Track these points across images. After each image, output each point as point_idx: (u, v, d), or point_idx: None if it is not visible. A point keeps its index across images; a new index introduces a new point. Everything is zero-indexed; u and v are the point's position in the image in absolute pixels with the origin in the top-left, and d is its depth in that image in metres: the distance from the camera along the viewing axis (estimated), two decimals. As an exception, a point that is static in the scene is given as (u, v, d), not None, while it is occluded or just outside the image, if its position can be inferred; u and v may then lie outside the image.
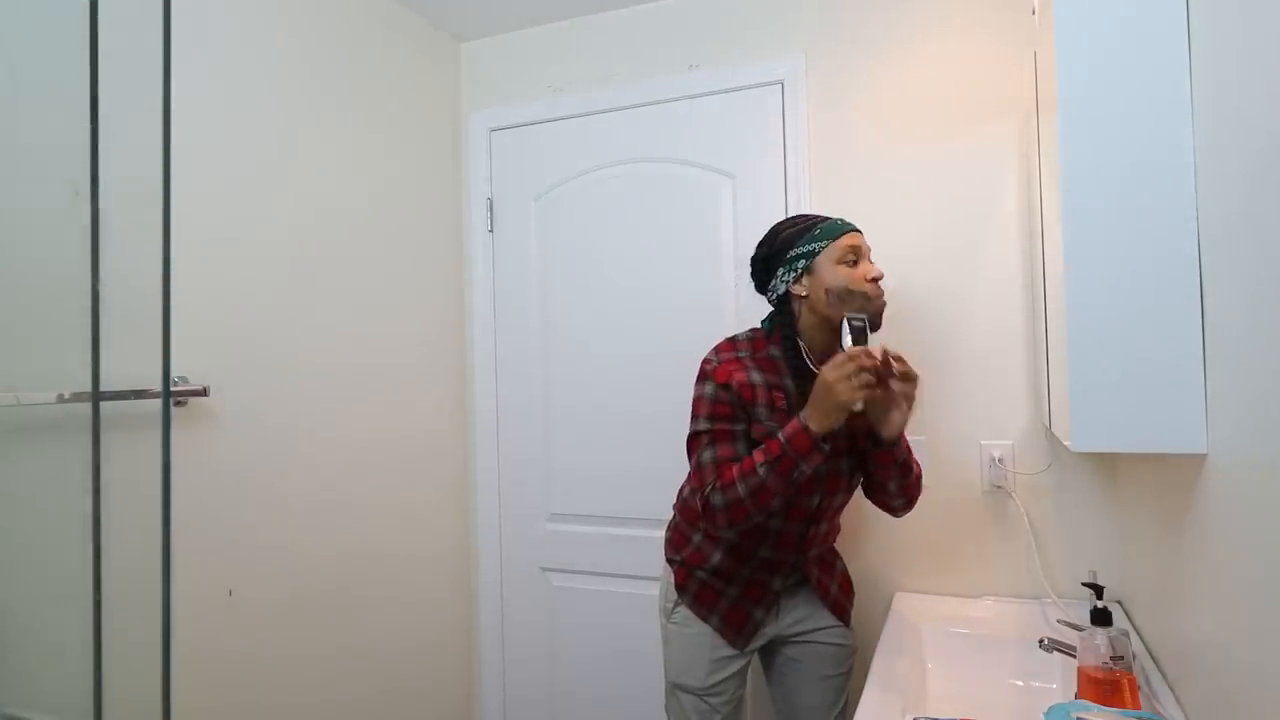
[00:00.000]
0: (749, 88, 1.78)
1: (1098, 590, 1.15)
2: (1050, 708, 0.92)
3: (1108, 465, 1.49)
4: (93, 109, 0.71)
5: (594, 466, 1.91)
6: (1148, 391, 0.90)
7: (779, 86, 1.75)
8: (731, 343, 1.32)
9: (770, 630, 1.37)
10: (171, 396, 1.08)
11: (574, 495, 1.94)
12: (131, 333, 0.88)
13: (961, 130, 1.60)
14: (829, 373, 1.13)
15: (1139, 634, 1.30)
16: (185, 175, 1.25)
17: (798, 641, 1.39)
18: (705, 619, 1.35)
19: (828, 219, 1.28)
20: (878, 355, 1.14)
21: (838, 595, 1.42)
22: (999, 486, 1.56)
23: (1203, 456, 0.90)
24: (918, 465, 1.32)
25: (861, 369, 1.11)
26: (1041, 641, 1.18)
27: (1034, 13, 1.25)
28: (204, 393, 1.26)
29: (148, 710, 0.76)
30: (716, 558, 1.34)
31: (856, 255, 1.25)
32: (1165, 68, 0.90)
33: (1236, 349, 0.79)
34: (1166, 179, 0.89)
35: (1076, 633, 1.10)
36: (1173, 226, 0.89)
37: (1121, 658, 1.01)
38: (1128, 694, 0.99)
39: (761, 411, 1.24)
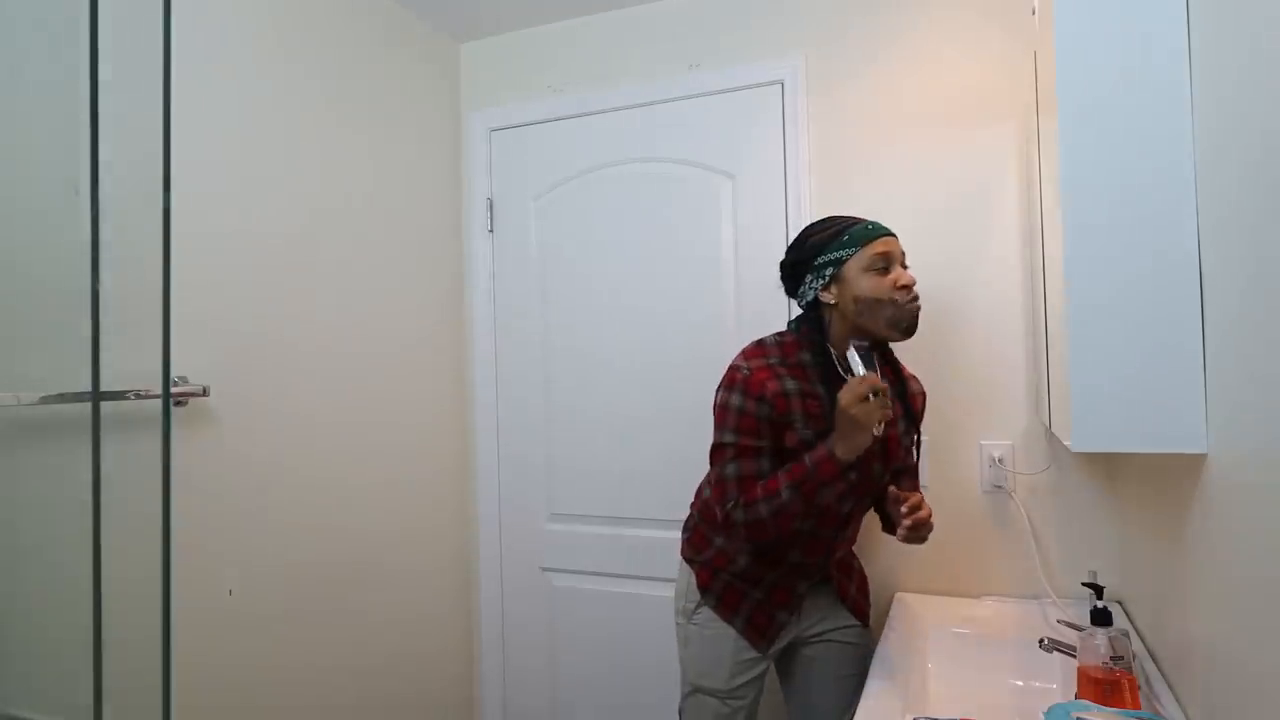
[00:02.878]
0: (749, 88, 1.78)
1: (1098, 590, 1.15)
2: (1050, 708, 0.92)
3: (1108, 465, 1.49)
4: (93, 109, 0.70)
5: (595, 466, 1.91)
6: (1148, 391, 0.90)
7: (779, 86, 1.75)
8: (760, 347, 1.28)
9: (792, 632, 1.37)
10: (171, 396, 1.08)
11: (575, 495, 1.94)
12: (131, 333, 0.88)
13: (961, 130, 1.60)
14: (847, 401, 1.11)
15: (1139, 634, 1.30)
16: (185, 175, 1.25)
17: (815, 641, 1.38)
18: (729, 621, 1.33)
19: (858, 223, 1.24)
20: (880, 383, 1.12)
21: (856, 596, 1.43)
22: (999, 486, 1.56)
23: (1203, 456, 0.90)
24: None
25: (875, 391, 1.10)
26: (1041, 641, 1.18)
27: (1034, 13, 1.25)
28: (204, 393, 1.26)
29: (148, 710, 0.76)
30: (743, 561, 1.32)
31: (887, 262, 1.21)
32: (1165, 67, 0.90)
33: (1236, 349, 0.79)
34: (1166, 179, 0.89)
35: (1076, 633, 1.10)
36: (1173, 226, 0.89)
37: (1121, 658, 1.01)
38: (1128, 694, 0.99)
39: (797, 420, 1.21)
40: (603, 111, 1.91)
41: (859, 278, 1.21)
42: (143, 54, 0.72)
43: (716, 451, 1.26)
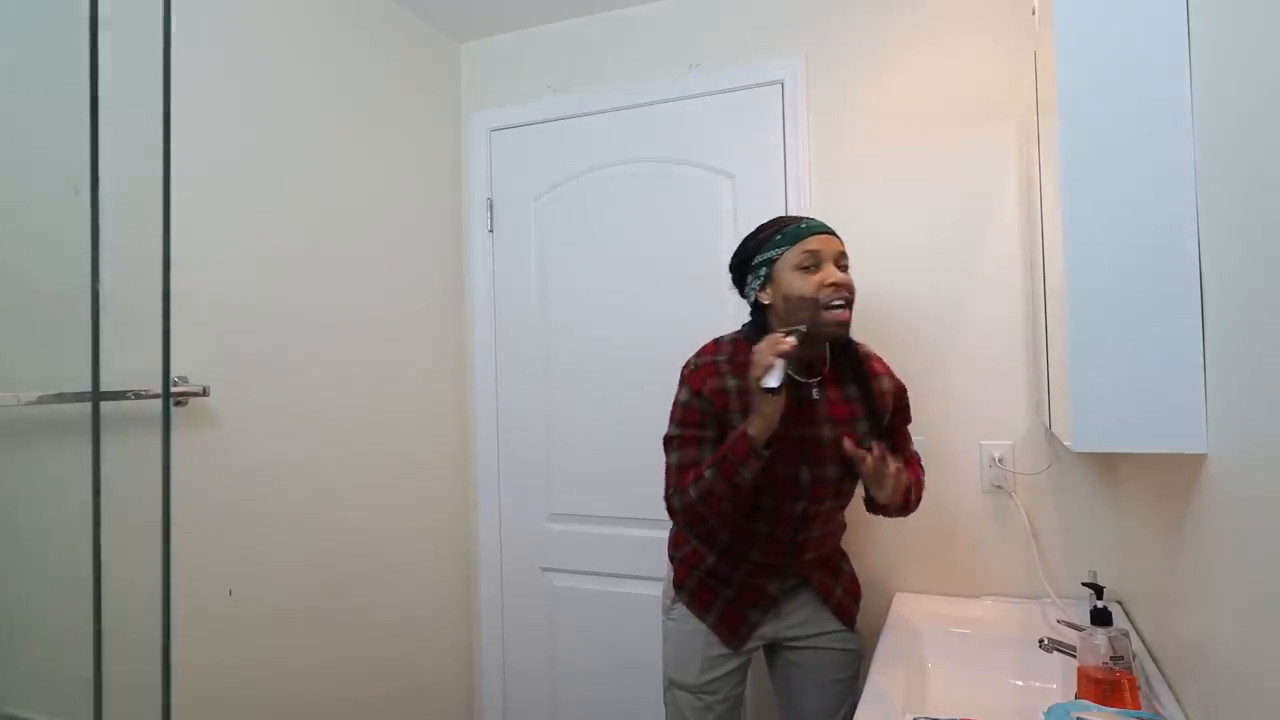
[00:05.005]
0: (749, 88, 1.78)
1: (1098, 590, 1.16)
2: (1050, 708, 0.92)
3: (1108, 465, 1.49)
4: (93, 109, 0.70)
5: (595, 466, 1.91)
6: (1148, 391, 0.90)
7: (779, 86, 1.75)
8: (716, 345, 1.31)
9: (768, 632, 1.37)
10: (171, 396, 1.08)
11: (575, 495, 1.94)
12: (131, 333, 0.88)
13: (962, 130, 1.60)
14: (749, 373, 1.13)
15: (1139, 634, 1.30)
16: (185, 175, 1.25)
17: (799, 646, 1.38)
18: (701, 617, 1.35)
19: (795, 221, 1.24)
20: (789, 345, 1.10)
21: (842, 598, 1.40)
22: (999, 486, 1.56)
23: (1203, 456, 0.89)
24: (916, 476, 1.34)
25: (764, 355, 1.10)
26: (1041, 641, 1.18)
27: (1034, 13, 1.25)
28: (204, 393, 1.26)
29: (148, 710, 0.76)
30: (711, 559, 1.34)
31: (815, 261, 1.19)
32: (1165, 67, 0.90)
33: (1236, 349, 0.79)
34: (1166, 178, 0.89)
35: (1076, 633, 1.11)
36: (1173, 226, 0.89)
37: (1121, 658, 1.01)
38: (1128, 694, 0.99)
39: (736, 417, 1.22)
40: (603, 111, 1.91)
41: (789, 276, 1.20)
42: (143, 54, 0.72)
43: (665, 444, 1.29)
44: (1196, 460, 0.91)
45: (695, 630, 1.35)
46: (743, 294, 1.31)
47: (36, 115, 1.02)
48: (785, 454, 1.21)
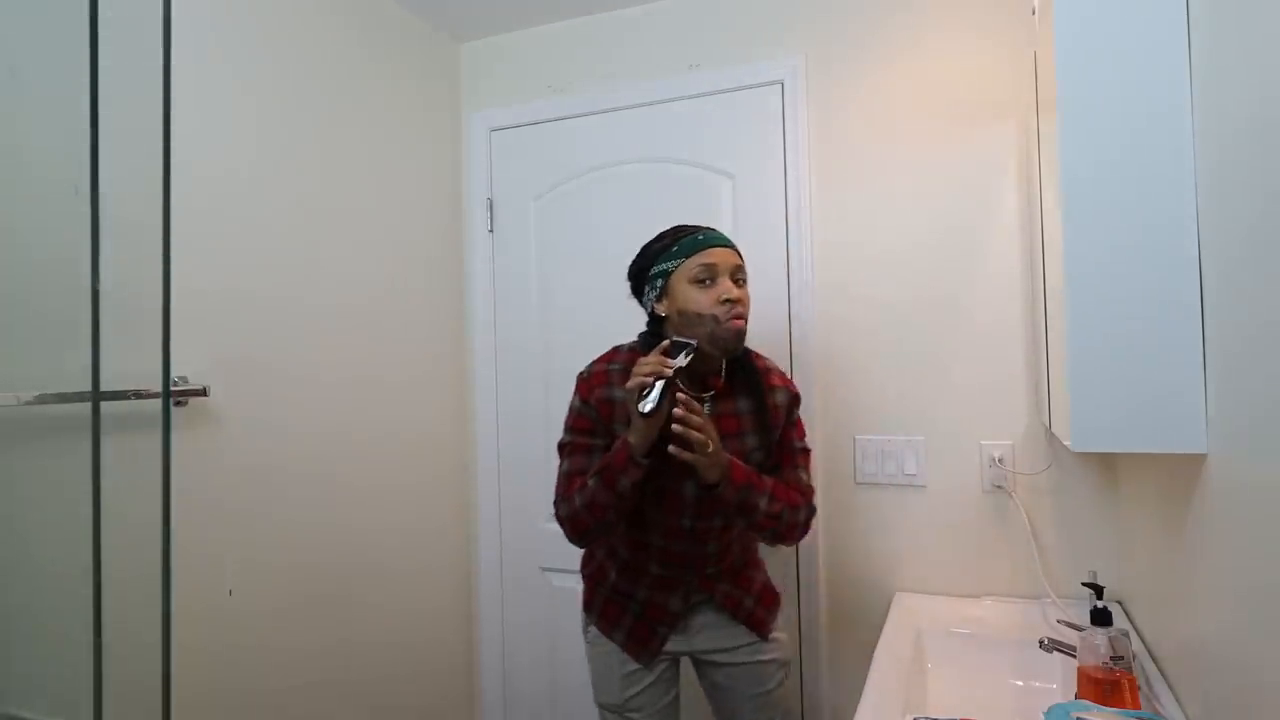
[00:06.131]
0: (749, 88, 1.78)
1: (1098, 590, 1.16)
2: (1050, 708, 0.92)
3: (1108, 465, 1.49)
4: (93, 109, 0.70)
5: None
6: (1148, 391, 0.90)
7: (779, 86, 1.75)
8: (613, 353, 1.29)
9: (680, 647, 1.34)
10: (171, 396, 1.08)
11: (574, 495, 1.94)
12: (131, 333, 0.88)
13: (962, 130, 1.60)
14: (629, 381, 1.11)
15: (1139, 634, 1.30)
16: (185, 175, 1.25)
17: (718, 663, 1.35)
18: (610, 636, 1.33)
19: (693, 232, 1.22)
20: (672, 366, 1.08)
21: (754, 609, 1.34)
22: (999, 486, 1.56)
23: (1203, 456, 0.89)
24: (790, 502, 1.21)
25: (643, 372, 1.08)
26: (1041, 641, 1.18)
27: (1034, 13, 1.25)
28: (204, 393, 1.26)
29: (148, 710, 0.76)
30: (614, 575, 1.33)
31: (711, 275, 1.17)
32: (1165, 67, 0.90)
33: (1236, 349, 0.79)
34: (1166, 179, 0.89)
35: (1076, 633, 1.11)
36: (1172, 226, 0.89)
37: (1121, 658, 1.01)
38: (1128, 694, 0.99)
39: (620, 428, 1.20)
40: (603, 111, 1.91)
41: (684, 290, 1.18)
42: (143, 54, 0.72)
43: (559, 450, 1.28)
44: (1196, 460, 0.91)
45: (608, 650, 1.33)
46: (641, 303, 1.29)
47: (36, 115, 1.02)
48: (670, 467, 1.14)
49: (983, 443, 1.58)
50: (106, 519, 0.74)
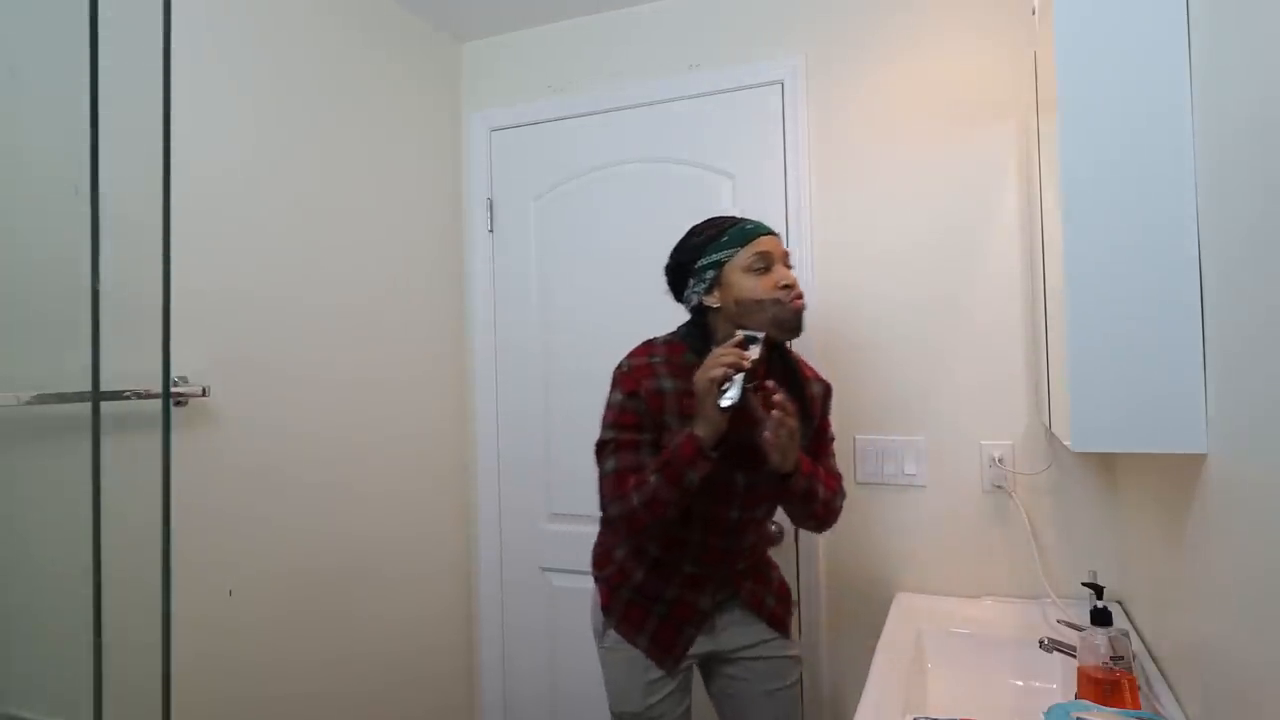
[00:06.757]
0: (749, 88, 1.78)
1: (1098, 590, 1.15)
2: (1050, 708, 0.92)
3: (1108, 465, 1.49)
4: (93, 109, 0.71)
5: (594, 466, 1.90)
6: (1148, 391, 0.90)
7: (779, 86, 1.75)
8: (649, 346, 1.27)
9: (704, 648, 1.31)
10: (171, 396, 1.08)
11: (574, 495, 1.93)
12: (131, 333, 0.88)
13: (962, 130, 1.60)
14: (699, 373, 1.10)
15: (1139, 634, 1.30)
16: (185, 175, 1.25)
17: (737, 659, 1.34)
18: (634, 641, 1.29)
19: (738, 223, 1.22)
20: (749, 359, 1.08)
21: (774, 607, 1.36)
22: (999, 486, 1.56)
23: (1203, 456, 0.89)
24: (831, 489, 1.25)
25: (723, 365, 1.07)
26: (1041, 641, 1.18)
27: (1034, 13, 1.25)
28: (204, 393, 1.26)
29: (148, 710, 0.76)
30: (640, 575, 1.29)
31: (767, 262, 1.18)
32: (1165, 67, 0.90)
33: (1236, 349, 0.79)
34: (1166, 179, 0.89)
35: (1076, 633, 1.10)
36: (1173, 226, 0.89)
37: (1121, 658, 1.01)
38: (1128, 694, 0.99)
39: (672, 420, 1.19)
40: (603, 111, 1.91)
41: (740, 279, 1.19)
42: (143, 54, 0.72)
43: (599, 450, 1.24)
44: (1196, 460, 0.91)
45: (631, 657, 1.29)
46: (679, 298, 1.29)
47: (36, 115, 1.02)
48: (723, 458, 1.15)
49: (983, 443, 1.58)
50: (106, 519, 0.74)
